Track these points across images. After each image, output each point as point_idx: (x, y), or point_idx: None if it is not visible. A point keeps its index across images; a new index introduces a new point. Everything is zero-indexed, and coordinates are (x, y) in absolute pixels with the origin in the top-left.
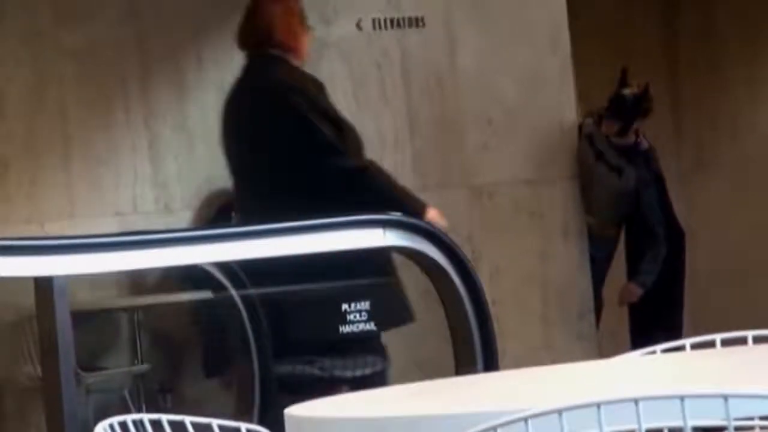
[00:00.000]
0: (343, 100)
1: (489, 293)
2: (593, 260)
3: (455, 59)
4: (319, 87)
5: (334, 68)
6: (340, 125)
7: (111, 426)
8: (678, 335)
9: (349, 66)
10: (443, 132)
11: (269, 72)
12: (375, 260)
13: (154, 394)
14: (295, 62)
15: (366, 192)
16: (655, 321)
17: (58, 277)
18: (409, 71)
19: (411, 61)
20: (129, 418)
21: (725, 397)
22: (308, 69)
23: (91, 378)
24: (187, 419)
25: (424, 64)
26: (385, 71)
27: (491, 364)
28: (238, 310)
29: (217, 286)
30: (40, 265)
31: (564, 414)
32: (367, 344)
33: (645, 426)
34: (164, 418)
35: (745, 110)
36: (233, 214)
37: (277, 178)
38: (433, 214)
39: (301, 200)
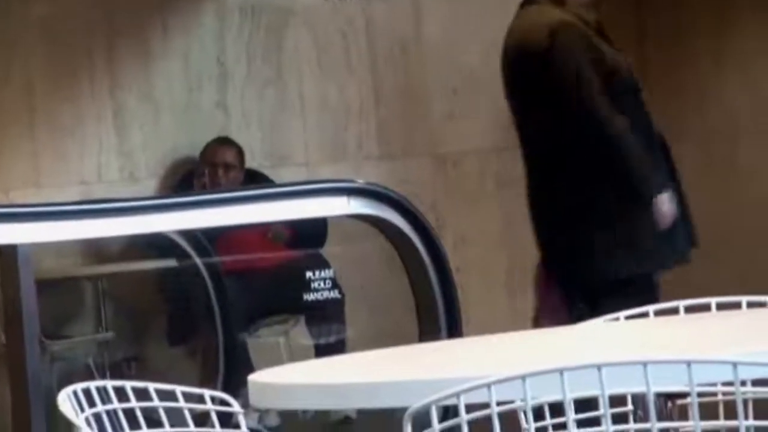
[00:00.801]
0: (307, 68)
1: (453, 261)
2: None
3: (420, 28)
4: (593, 31)
5: (300, 36)
6: (606, 72)
7: (74, 393)
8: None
9: (314, 34)
10: (408, 101)
11: (539, 16)
12: None
13: (119, 362)
14: (569, 3)
15: (614, 155)
16: None
17: (23, 245)
18: (374, 40)
19: (376, 30)
20: (92, 385)
21: (688, 363)
22: (272, 37)
23: (55, 346)
24: (151, 386)
25: (389, 33)
26: (351, 40)
27: (455, 331)
28: (203, 278)
29: (181, 255)
30: (5, 233)
31: (527, 380)
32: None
33: (608, 392)
34: (128, 385)
35: (711, 83)
36: (195, 181)
37: (549, 131)
38: (663, 200)
39: (571, 158)
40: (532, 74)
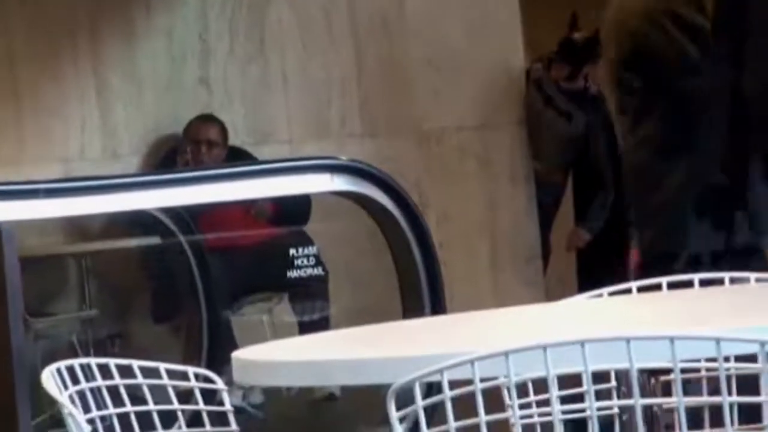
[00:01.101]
0: (290, 45)
1: (436, 237)
2: (540, 205)
3: (403, 5)
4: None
5: (282, 14)
6: (698, 43)
7: (58, 370)
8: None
9: (296, 12)
10: (391, 78)
11: None
12: None
13: (103, 339)
14: None
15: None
16: (602, 266)
17: (6, 223)
18: (356, 17)
19: (359, 6)
20: (76, 362)
21: (671, 339)
22: (254, 14)
23: (39, 323)
24: (135, 363)
25: (372, 9)
26: (333, 17)
27: (439, 307)
28: (186, 256)
29: (165, 232)
30: None
31: (510, 356)
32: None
33: (591, 368)
34: (112, 362)
35: None
36: (178, 158)
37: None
38: None
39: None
40: (632, 52)
